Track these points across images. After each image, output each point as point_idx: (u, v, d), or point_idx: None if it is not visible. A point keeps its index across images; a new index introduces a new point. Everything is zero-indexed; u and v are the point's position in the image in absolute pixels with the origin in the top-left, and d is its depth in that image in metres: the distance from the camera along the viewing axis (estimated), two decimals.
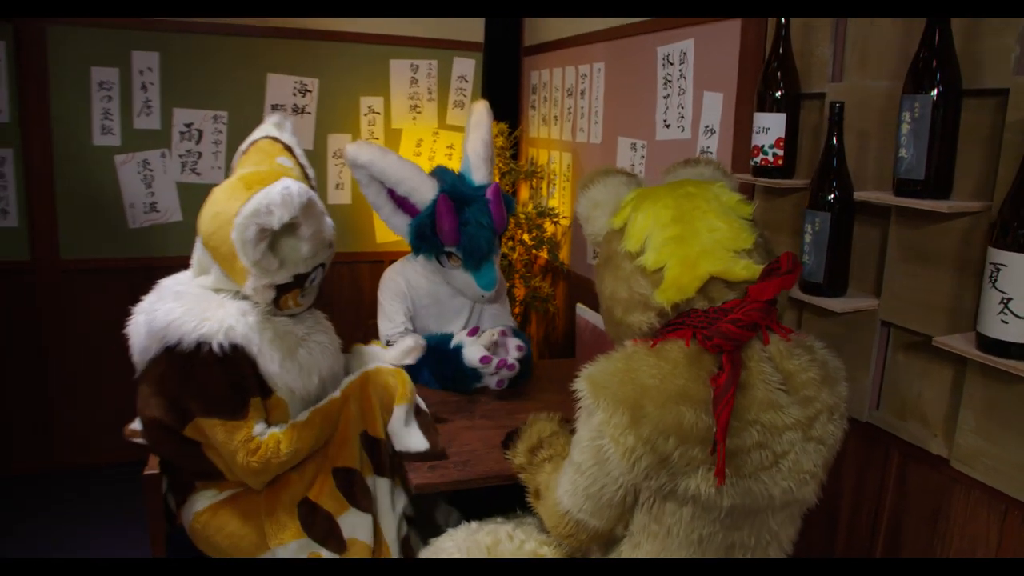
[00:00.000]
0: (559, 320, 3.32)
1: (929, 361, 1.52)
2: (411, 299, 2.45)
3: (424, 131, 3.40)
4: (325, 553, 1.74)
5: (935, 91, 1.34)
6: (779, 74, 1.70)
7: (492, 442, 1.92)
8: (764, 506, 1.27)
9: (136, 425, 1.92)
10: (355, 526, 1.78)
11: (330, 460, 1.82)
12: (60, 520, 2.84)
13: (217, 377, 1.66)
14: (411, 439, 1.83)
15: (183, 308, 1.70)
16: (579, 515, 1.34)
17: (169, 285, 1.84)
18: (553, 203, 3.27)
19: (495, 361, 2.17)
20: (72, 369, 3.11)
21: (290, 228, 1.65)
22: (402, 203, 2.36)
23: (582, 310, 2.39)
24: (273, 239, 1.65)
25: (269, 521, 1.75)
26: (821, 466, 1.29)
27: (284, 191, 1.57)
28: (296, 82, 3.19)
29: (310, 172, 1.93)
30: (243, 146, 1.90)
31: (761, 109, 1.73)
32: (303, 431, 1.75)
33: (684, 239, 1.28)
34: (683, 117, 2.30)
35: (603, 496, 1.30)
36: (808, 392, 1.26)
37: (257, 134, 1.91)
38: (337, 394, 1.84)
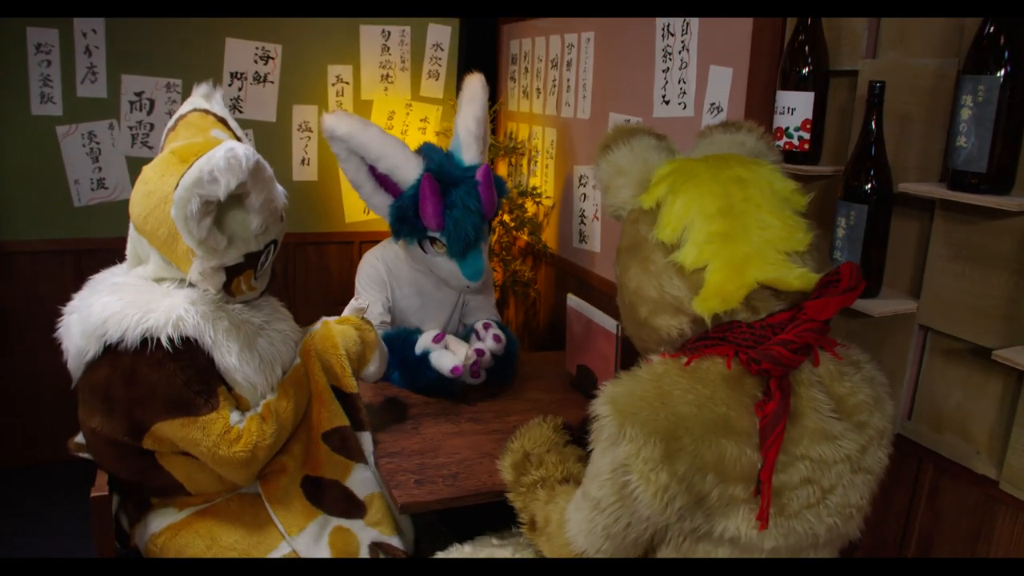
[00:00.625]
0: (540, 305, 3.15)
1: (973, 371, 1.38)
2: (391, 288, 2.26)
3: (396, 103, 3.17)
4: (347, 523, 1.63)
5: (1002, 72, 1.18)
6: (807, 48, 1.53)
7: (482, 449, 1.75)
8: (808, 545, 1.12)
9: (81, 438, 1.72)
10: (366, 482, 1.68)
11: (315, 428, 1.69)
12: None
13: (171, 375, 1.48)
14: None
15: (122, 301, 1.50)
16: (597, 556, 1.18)
17: (103, 278, 1.64)
18: (535, 181, 3.08)
19: (468, 369, 1.98)
20: (14, 362, 2.85)
21: (237, 199, 1.46)
22: (384, 181, 2.16)
23: (573, 301, 2.22)
24: (218, 213, 1.45)
25: (278, 511, 1.61)
26: (868, 498, 1.14)
27: (229, 153, 1.37)
28: (258, 48, 2.92)
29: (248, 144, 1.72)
30: (170, 122, 1.69)
31: (785, 87, 1.56)
32: (280, 405, 1.59)
33: (732, 237, 1.10)
34: (685, 93, 2.12)
35: (627, 536, 1.13)
36: (861, 417, 1.11)
37: (184, 108, 1.70)
38: (297, 359, 1.69)
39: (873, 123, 1.40)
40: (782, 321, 1.08)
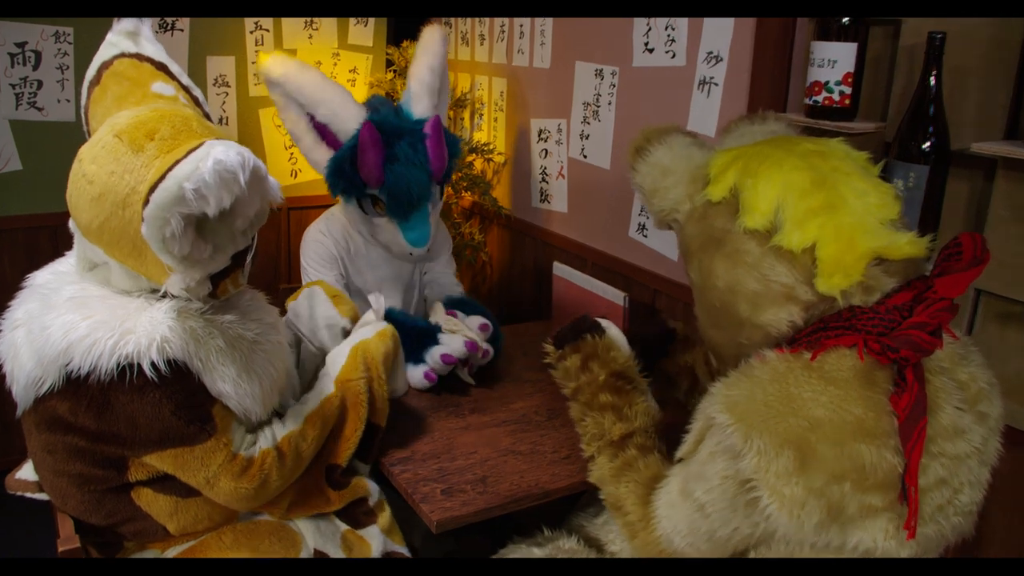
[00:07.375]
0: (491, 269, 2.97)
1: None
2: (342, 262, 2.03)
3: (322, 52, 2.86)
4: (360, 531, 1.48)
5: None
6: None
7: (500, 446, 1.59)
8: (934, 548, 1.04)
9: (25, 474, 1.43)
10: (374, 489, 1.52)
11: (323, 458, 1.47)
12: None
13: (156, 403, 1.22)
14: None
15: (89, 321, 1.21)
16: (692, 554, 1.08)
17: (50, 284, 1.32)
18: (481, 136, 2.86)
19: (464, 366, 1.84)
20: None
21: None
22: (324, 133, 1.93)
23: (561, 269, 2.07)
24: (199, 221, 1.17)
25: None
26: (985, 492, 1.08)
27: (218, 167, 1.07)
28: None
29: (198, 94, 1.41)
30: (90, 73, 1.33)
31: (824, 37, 1.44)
32: (303, 440, 1.38)
33: (834, 207, 1.01)
34: (673, 40, 1.97)
35: (731, 539, 1.03)
36: (982, 407, 1.03)
37: (107, 52, 1.33)
38: (331, 389, 1.46)
39: (932, 78, 1.30)
40: (906, 302, 0.98)
